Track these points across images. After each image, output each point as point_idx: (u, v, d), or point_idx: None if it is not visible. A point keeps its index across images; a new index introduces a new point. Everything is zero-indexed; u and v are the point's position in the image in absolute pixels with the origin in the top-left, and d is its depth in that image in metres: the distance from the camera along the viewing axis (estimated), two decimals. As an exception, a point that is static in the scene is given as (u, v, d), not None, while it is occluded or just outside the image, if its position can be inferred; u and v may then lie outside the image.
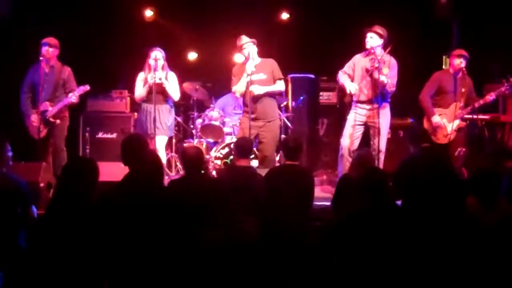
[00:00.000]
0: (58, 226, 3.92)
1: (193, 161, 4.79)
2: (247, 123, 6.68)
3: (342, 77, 6.90)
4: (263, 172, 5.49)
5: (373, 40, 6.74)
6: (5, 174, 4.62)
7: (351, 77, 6.87)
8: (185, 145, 8.16)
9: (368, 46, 6.74)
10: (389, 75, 6.64)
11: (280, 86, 6.91)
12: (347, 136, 6.84)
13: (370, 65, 6.69)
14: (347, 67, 6.93)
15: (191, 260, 4.45)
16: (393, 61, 6.76)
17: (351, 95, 6.97)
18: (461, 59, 6.90)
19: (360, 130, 6.84)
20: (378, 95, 6.63)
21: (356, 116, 6.83)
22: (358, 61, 6.88)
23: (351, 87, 6.77)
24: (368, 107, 6.79)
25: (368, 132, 6.87)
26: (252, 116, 6.69)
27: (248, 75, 6.63)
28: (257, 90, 6.67)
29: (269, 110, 6.82)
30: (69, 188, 4.03)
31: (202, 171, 5.12)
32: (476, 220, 4.16)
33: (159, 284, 4.23)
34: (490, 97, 6.88)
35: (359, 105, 6.85)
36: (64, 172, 4.17)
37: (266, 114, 6.77)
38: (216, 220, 4.55)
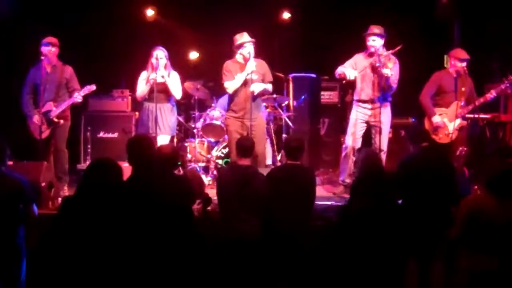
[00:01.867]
0: (78, 222, 3.92)
1: (164, 160, 4.80)
2: (236, 124, 6.70)
3: (342, 68, 6.90)
4: (261, 171, 5.49)
5: (376, 42, 6.78)
6: (6, 172, 4.62)
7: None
8: (186, 144, 8.18)
9: (372, 49, 6.76)
10: (393, 70, 6.68)
11: (270, 88, 6.93)
12: (351, 135, 6.88)
13: (373, 61, 6.71)
14: (348, 64, 6.94)
15: (196, 258, 4.47)
16: (394, 58, 6.79)
17: (352, 94, 6.99)
18: (464, 63, 6.88)
19: (362, 129, 6.89)
20: (380, 94, 6.66)
21: (358, 115, 6.86)
22: (360, 61, 6.90)
23: (350, 73, 6.78)
24: (369, 106, 6.83)
25: (370, 131, 6.89)
26: (238, 115, 6.70)
27: (248, 74, 6.61)
28: (257, 88, 6.66)
29: (256, 108, 6.80)
30: (96, 187, 4.03)
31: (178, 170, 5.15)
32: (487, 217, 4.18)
33: (163, 282, 4.26)
34: (491, 95, 6.87)
35: (360, 104, 6.88)
36: (92, 171, 4.16)
37: (254, 112, 6.75)
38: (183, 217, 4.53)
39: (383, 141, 6.77)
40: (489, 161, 5.95)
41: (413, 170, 5.18)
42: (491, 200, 4.23)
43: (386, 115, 6.82)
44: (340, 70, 6.90)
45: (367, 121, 6.87)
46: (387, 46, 6.82)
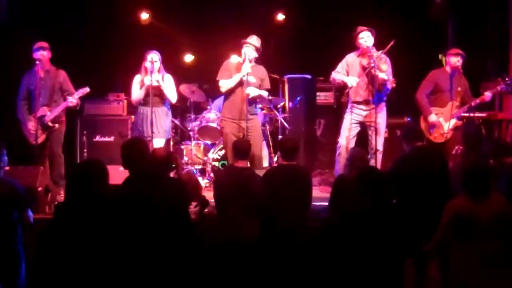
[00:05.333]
0: (73, 228, 3.91)
1: (159, 163, 4.81)
2: (232, 126, 6.71)
3: (338, 75, 6.92)
4: (258, 172, 5.50)
5: (369, 39, 6.76)
6: (1, 178, 4.61)
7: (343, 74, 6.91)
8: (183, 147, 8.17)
9: (365, 46, 6.75)
10: (387, 72, 6.68)
11: (266, 95, 6.97)
12: (345, 136, 6.88)
13: (367, 64, 6.71)
14: (340, 67, 6.96)
15: (194, 261, 4.47)
16: (385, 57, 6.81)
17: (348, 95, 7.00)
18: (458, 58, 6.92)
19: (356, 129, 6.90)
20: (374, 94, 6.66)
21: (353, 116, 6.87)
22: (352, 61, 6.91)
23: (351, 80, 6.78)
24: (365, 107, 6.83)
25: (366, 131, 6.90)
26: (233, 117, 6.72)
27: (244, 75, 6.61)
28: (253, 92, 6.66)
29: (252, 110, 6.81)
30: (80, 190, 4.01)
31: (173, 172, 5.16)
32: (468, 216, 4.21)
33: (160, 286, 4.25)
34: (487, 96, 6.90)
35: (356, 105, 6.88)
36: (72, 176, 4.16)
37: (249, 114, 6.74)
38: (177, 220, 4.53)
39: (379, 141, 6.79)
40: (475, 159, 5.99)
41: (407, 169, 5.18)
42: (469, 201, 4.25)
43: (381, 115, 6.83)
44: (337, 77, 6.92)
45: (361, 121, 6.88)
46: (378, 46, 6.80)
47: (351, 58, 6.93)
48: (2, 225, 4.48)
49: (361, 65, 6.81)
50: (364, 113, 6.84)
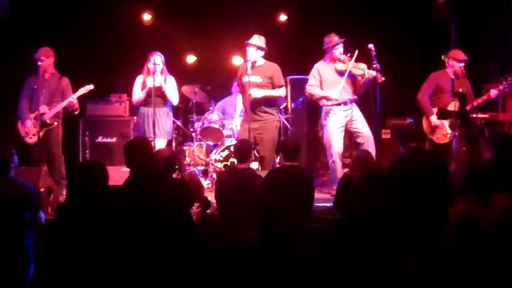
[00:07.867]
0: (75, 228, 3.91)
1: (162, 163, 4.81)
2: (245, 125, 6.77)
3: (317, 90, 6.98)
4: (262, 174, 5.50)
5: (341, 47, 6.97)
6: (14, 179, 4.57)
7: (318, 87, 6.96)
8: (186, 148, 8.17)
9: (338, 54, 6.93)
10: (365, 68, 6.81)
11: (279, 92, 6.94)
12: (336, 142, 6.93)
13: (343, 68, 6.85)
14: (313, 79, 7.01)
15: (194, 262, 4.46)
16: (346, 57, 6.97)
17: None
18: (463, 64, 6.91)
19: (342, 132, 6.98)
20: (352, 95, 6.88)
21: (338, 120, 6.92)
22: (324, 69, 6.97)
23: (333, 94, 6.84)
24: (346, 107, 6.93)
25: (350, 130, 6.99)
26: (245, 118, 6.77)
27: (246, 75, 6.64)
28: (255, 93, 6.67)
29: (260, 111, 6.81)
30: (81, 192, 4.01)
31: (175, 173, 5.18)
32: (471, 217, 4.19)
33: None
34: (489, 95, 6.89)
35: (339, 108, 6.92)
36: (71, 178, 4.16)
37: (261, 115, 6.76)
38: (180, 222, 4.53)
39: (367, 130, 6.91)
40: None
41: (403, 171, 5.16)
42: (472, 203, 4.23)
43: (357, 110, 6.98)
44: (318, 94, 6.96)
45: (346, 122, 6.94)
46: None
47: (322, 67, 7.01)
48: (14, 226, 4.45)
49: (337, 70, 6.89)
50: (345, 113, 6.91)
